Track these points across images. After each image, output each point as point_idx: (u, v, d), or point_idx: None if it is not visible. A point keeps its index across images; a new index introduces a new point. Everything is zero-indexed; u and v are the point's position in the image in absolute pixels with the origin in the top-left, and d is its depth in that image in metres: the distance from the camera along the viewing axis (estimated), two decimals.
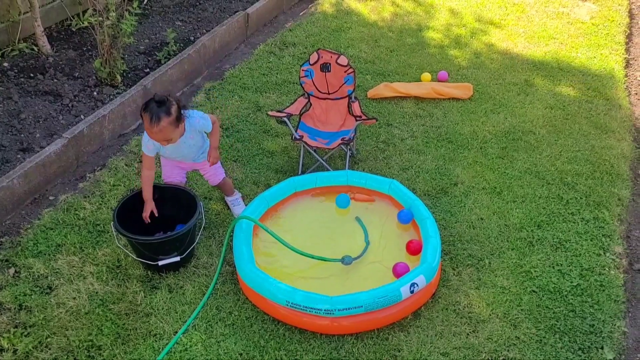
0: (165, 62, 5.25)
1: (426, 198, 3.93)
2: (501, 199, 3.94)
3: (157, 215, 3.39)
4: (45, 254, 3.47)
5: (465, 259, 3.50)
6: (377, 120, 4.16)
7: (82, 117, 4.55)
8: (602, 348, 3.00)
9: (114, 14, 4.76)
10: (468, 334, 3.06)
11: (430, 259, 3.17)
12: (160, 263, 3.28)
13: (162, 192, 3.52)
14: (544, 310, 3.18)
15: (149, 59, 5.39)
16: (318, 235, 3.60)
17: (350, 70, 4.05)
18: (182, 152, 3.49)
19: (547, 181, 4.09)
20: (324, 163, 4.03)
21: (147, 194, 3.39)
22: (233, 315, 3.15)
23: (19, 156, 4.11)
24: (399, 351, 2.98)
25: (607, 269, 3.44)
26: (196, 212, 3.32)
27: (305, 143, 3.93)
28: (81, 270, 3.37)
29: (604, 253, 3.55)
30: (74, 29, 5.59)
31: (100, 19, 4.84)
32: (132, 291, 3.27)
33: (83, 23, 5.60)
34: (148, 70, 5.25)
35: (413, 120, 4.71)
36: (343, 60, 4.04)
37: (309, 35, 5.93)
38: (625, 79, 5.39)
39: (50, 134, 4.35)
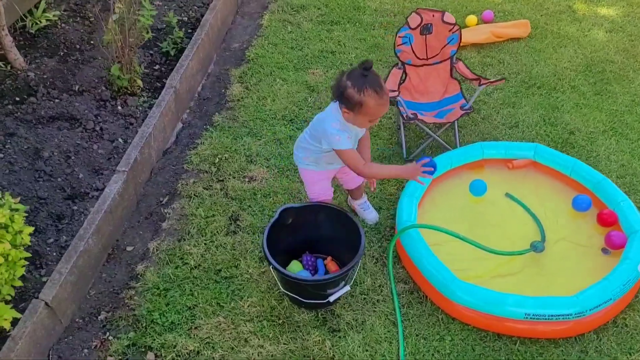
0: (174, 54, 4.39)
1: None
2: (629, 140, 3.69)
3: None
4: (180, 325, 2.75)
5: None
6: (505, 80, 3.68)
7: (119, 140, 3.68)
8: None
9: (120, 5, 3.82)
10: None
11: None
12: (332, 299, 2.72)
13: (297, 213, 2.90)
14: None
15: (151, 52, 4.48)
16: (476, 224, 3.16)
17: (456, 28, 3.49)
18: None
19: None
20: (440, 140, 3.53)
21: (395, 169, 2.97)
22: (446, 341, 2.68)
23: (74, 207, 3.23)
24: None
25: None
26: (361, 236, 2.75)
27: (422, 121, 3.40)
28: (237, 333, 2.72)
29: None
30: (32, 31, 4.47)
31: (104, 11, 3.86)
32: (314, 342, 2.68)
33: (41, 22, 4.49)
34: (157, 66, 4.37)
35: (486, 71, 4.29)
36: (449, 17, 3.48)
37: None
38: None
39: (95, 170, 3.47)
